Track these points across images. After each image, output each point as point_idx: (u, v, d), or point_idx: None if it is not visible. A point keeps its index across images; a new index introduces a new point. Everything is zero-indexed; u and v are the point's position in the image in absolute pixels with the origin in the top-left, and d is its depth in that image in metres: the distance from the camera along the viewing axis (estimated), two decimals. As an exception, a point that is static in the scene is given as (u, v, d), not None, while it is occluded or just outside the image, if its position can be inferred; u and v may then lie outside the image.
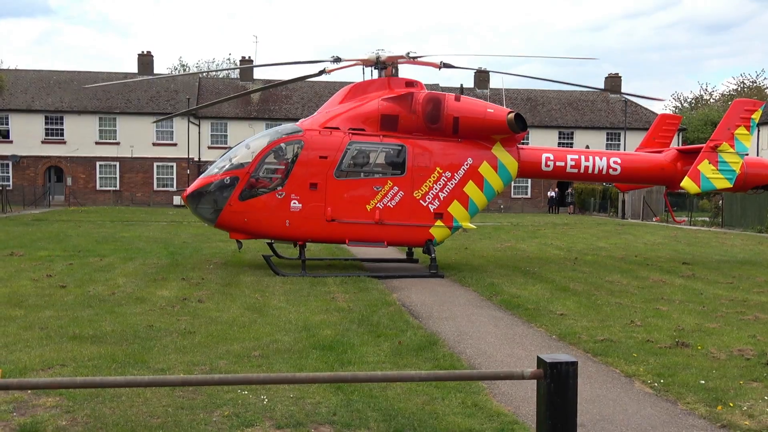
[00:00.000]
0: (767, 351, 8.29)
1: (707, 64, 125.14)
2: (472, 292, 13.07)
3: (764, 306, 11.68)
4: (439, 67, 15.89)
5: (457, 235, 22.98)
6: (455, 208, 15.19)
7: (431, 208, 15.03)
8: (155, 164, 51.64)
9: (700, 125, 64.90)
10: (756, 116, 17.03)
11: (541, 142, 50.38)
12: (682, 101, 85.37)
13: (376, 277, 14.44)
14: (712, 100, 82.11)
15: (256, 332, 9.02)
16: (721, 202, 35.95)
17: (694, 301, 12.10)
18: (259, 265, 15.73)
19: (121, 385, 3.79)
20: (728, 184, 16.82)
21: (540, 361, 4.02)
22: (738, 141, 16.79)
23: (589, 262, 18.05)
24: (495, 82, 57.46)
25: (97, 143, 50.86)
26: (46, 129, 50.47)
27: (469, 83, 57.54)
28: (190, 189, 15.16)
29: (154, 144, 51.38)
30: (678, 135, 54.51)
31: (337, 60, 15.69)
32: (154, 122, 20.47)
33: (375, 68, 16.05)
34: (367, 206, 14.70)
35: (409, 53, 15.56)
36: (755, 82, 78.28)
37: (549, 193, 52.84)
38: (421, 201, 14.96)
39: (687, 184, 16.63)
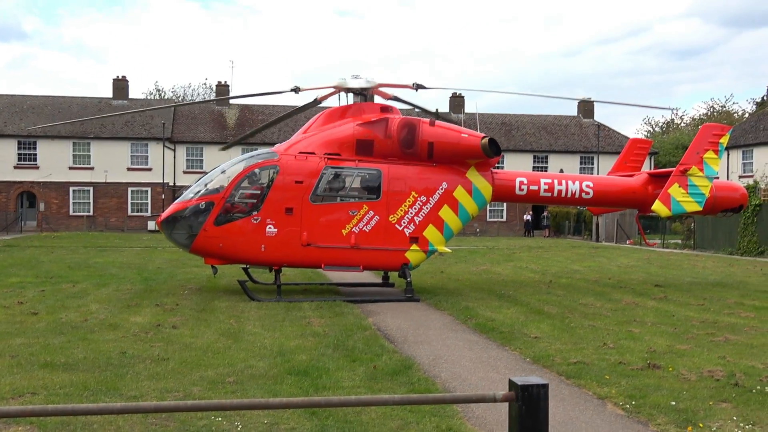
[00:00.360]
0: (736, 372, 8.42)
1: (678, 89, 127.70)
2: (447, 315, 13.13)
3: (734, 327, 11.87)
4: (415, 89, 15.94)
5: (432, 259, 23.07)
6: (430, 232, 15.28)
7: (407, 232, 15.11)
8: (130, 189, 51.27)
9: (671, 149, 66.13)
10: (724, 140, 17.41)
11: (516, 166, 50.90)
12: (654, 125, 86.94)
13: (351, 302, 14.44)
14: (683, 125, 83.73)
15: (231, 358, 8.98)
16: (693, 224, 36.52)
17: (666, 323, 12.26)
18: (234, 291, 15.66)
19: (93, 413, 3.78)
20: (698, 207, 17.12)
21: (512, 384, 4.08)
22: (707, 165, 17.12)
23: (564, 285, 18.21)
24: (470, 106, 58.09)
25: (70, 168, 50.44)
26: (19, 154, 49.99)
27: (445, 107, 58.09)
28: (164, 214, 15.10)
29: (128, 169, 51.07)
30: (650, 159, 55.42)
31: (316, 101, 15.91)
32: (222, 149, 20.37)
33: (351, 93, 16.19)
34: (342, 231, 14.75)
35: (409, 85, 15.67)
36: (724, 107, 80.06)
37: (525, 216, 53.27)
38: (396, 225, 15.04)
39: (658, 207, 16.90)
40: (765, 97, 59.11)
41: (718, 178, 17.60)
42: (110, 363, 8.61)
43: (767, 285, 18.60)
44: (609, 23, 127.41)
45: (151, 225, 47.95)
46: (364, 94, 16.13)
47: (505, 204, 53.56)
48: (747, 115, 72.72)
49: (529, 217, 52.93)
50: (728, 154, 51.95)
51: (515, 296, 15.60)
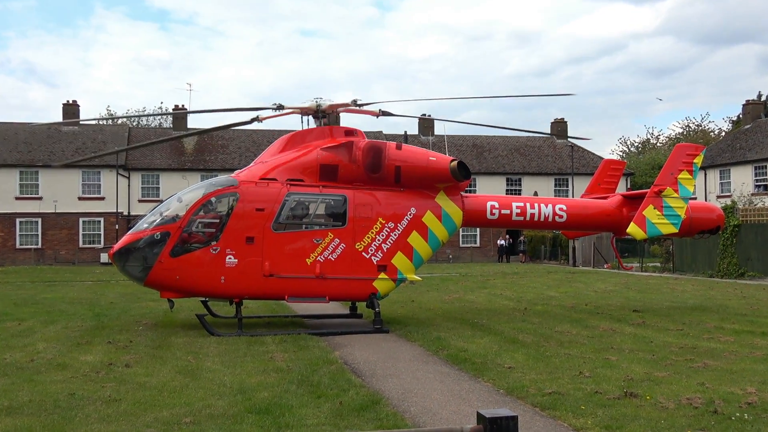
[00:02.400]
0: (715, 399, 8.56)
1: (653, 108, 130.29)
2: (418, 347, 13.14)
3: (713, 352, 12.07)
4: (377, 115, 16.25)
5: (402, 288, 23.09)
6: (399, 260, 15.33)
7: (374, 260, 15.14)
8: (81, 220, 50.55)
9: (647, 169, 67.24)
10: (698, 160, 17.81)
11: (489, 190, 51.34)
12: (629, 145, 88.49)
13: (317, 335, 14.39)
14: (659, 144, 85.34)
15: (188, 397, 8.89)
16: (671, 247, 37.10)
17: (643, 349, 12.42)
18: (192, 325, 15.50)
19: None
20: (674, 230, 17.44)
21: (480, 417, 4.12)
22: (681, 185, 17.48)
23: (539, 312, 18.34)
24: (440, 129, 58.60)
25: (17, 198, 49.66)
26: (-39, 184, 49.16)
27: (414, 130, 58.52)
28: (117, 245, 14.95)
29: (80, 198, 50.40)
30: (626, 179, 56.33)
31: (280, 107, 15.88)
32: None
33: (314, 117, 16.29)
34: (307, 260, 14.73)
35: (356, 101, 15.82)
36: (700, 126, 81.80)
37: (498, 241, 53.62)
38: (363, 253, 15.06)
39: (633, 230, 17.18)
40: (741, 116, 60.67)
41: (694, 198, 18.00)
42: (58, 406, 8.46)
43: (747, 308, 18.94)
44: (582, 42, 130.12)
45: (104, 257, 47.27)
46: (327, 118, 16.23)
47: (478, 229, 53.91)
48: (723, 133, 74.52)
49: (503, 242, 53.29)
50: (705, 174, 53.11)
51: (489, 325, 15.67)
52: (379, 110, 16.21)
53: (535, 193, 51.81)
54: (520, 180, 56.60)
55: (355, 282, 15.04)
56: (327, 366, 10.96)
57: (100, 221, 50.93)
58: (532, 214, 17.01)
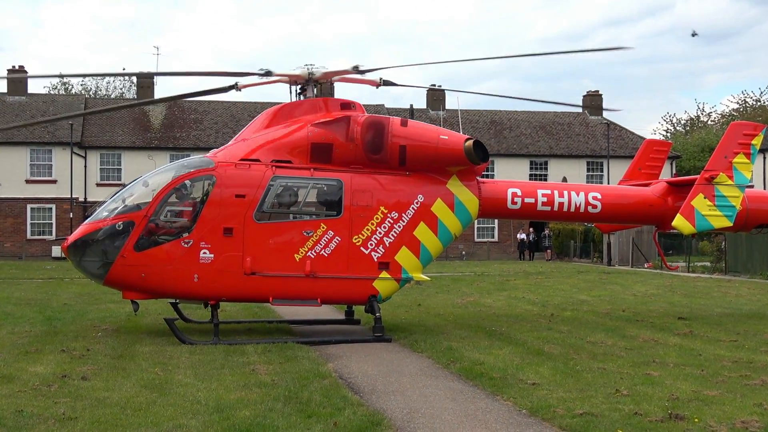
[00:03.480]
0: (775, 422, 8.57)
1: (704, 79, 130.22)
2: (425, 358, 13.16)
3: (773, 368, 12.08)
4: (378, 86, 16.18)
5: (407, 289, 23.12)
6: (404, 256, 15.33)
7: (374, 256, 15.14)
8: (29, 206, 50.64)
9: (696, 152, 67.24)
10: (756, 141, 17.77)
11: (510, 174, 51.25)
12: (675, 123, 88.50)
13: (307, 343, 14.40)
14: (710, 122, 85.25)
15: (155, 416, 8.91)
16: (724, 244, 37.09)
17: (691, 363, 12.43)
18: (160, 332, 15.53)
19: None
20: (728, 223, 17.42)
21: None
22: (737, 171, 17.45)
23: (568, 319, 18.37)
24: (452, 102, 58.53)
25: (-47, 181, 49.72)
26: None
27: (422, 103, 58.51)
28: (72, 237, 14.96)
29: (27, 181, 50.46)
30: (670, 164, 56.30)
31: (268, 74, 15.82)
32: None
33: (304, 86, 16.25)
34: (295, 255, 14.73)
35: (358, 67, 15.69)
36: (759, 101, 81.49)
37: (519, 235, 53.67)
38: (362, 248, 15.06)
39: (680, 223, 17.15)
40: (807, 89, 60.57)
41: (752, 186, 17.93)
42: (3, 424, 8.49)
43: (812, 316, 18.95)
44: (622, 0, 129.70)
45: (56, 251, 47.36)
46: (320, 88, 16.18)
47: (496, 221, 53.96)
48: (786, 110, 74.34)
49: (524, 236, 53.34)
50: (765, 158, 53.07)
51: (509, 333, 15.69)
52: (380, 79, 16.14)
53: (564, 179, 51.84)
54: (546, 163, 56.62)
55: (352, 282, 15.04)
56: (319, 380, 10.97)
57: (51, 208, 51.01)
58: (561, 204, 16.97)
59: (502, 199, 16.66)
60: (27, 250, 50.10)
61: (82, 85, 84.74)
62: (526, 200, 16.80)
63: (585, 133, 59.06)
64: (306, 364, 12.31)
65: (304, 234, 14.84)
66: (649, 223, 18.76)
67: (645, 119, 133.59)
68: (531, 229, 53.93)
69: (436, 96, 57.67)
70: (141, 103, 18.61)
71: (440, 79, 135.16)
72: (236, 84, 15.96)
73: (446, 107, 57.81)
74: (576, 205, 17.06)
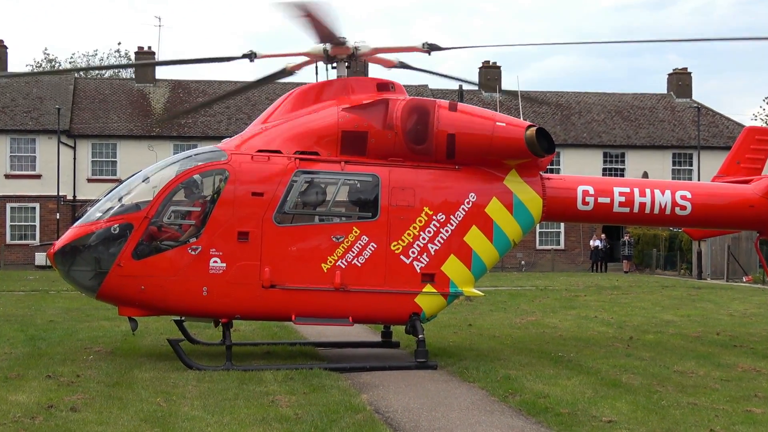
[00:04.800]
0: None
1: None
2: (478, 389, 13.12)
3: None
4: (428, 52, 15.86)
5: (456, 306, 23.06)
6: (452, 267, 15.28)
7: (417, 266, 15.11)
8: (8, 206, 51.25)
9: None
10: None
11: (580, 168, 50.91)
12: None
13: (336, 370, 14.42)
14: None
15: (158, 455, 8.96)
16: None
17: (801, 398, 12.28)
18: (162, 355, 15.63)
19: None
20: None
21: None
22: None
23: (651, 343, 18.22)
24: (509, 82, 58.39)
25: None
26: None
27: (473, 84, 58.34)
28: (59, 243, 15.09)
29: (7, 176, 51.07)
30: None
31: (286, 71, 15.88)
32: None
33: (333, 64, 16.26)
34: (322, 265, 14.74)
35: (427, 44, 15.58)
36: None
37: (592, 242, 53.29)
38: (402, 257, 15.04)
39: (787, 228, 16.93)
40: None
41: None
42: (-21, 463, 8.59)
43: None
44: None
45: (41, 258, 47.87)
46: (351, 65, 16.18)
47: (562, 224, 53.67)
48: None
49: (598, 243, 52.96)
50: None
51: (579, 360, 15.61)
52: (425, 44, 15.79)
53: (645, 174, 51.35)
54: (623, 155, 56.21)
55: (390, 297, 15.03)
56: (350, 415, 10.97)
57: (34, 207, 51.56)
58: (642, 204, 16.81)
59: (570, 199, 16.52)
60: (6, 257, 50.70)
61: (70, 62, 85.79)
62: (600, 200, 16.65)
63: (670, 119, 58.52)
64: (335, 395, 12.31)
65: (333, 239, 14.85)
66: (750, 228, 18.54)
67: (744, 103, 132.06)
68: (604, 236, 53.55)
69: (490, 75, 57.51)
70: (139, 64, 18.63)
71: (495, 55, 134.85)
72: (252, 52, 15.96)
73: (502, 88, 57.59)
74: (660, 205, 16.88)
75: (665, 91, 60.42)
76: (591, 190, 16.67)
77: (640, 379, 13.78)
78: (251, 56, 16.02)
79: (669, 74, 61.80)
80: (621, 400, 12.02)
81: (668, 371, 14.54)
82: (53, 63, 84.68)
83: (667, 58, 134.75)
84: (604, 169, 55.18)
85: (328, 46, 15.68)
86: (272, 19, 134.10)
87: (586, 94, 59.70)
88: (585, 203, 16.60)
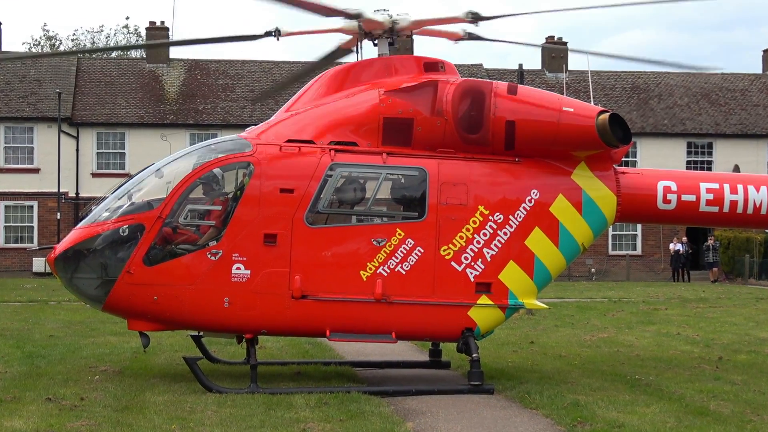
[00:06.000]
0: None
1: None
2: (541, 417, 13.09)
3: None
4: (474, 22, 15.83)
5: (516, 321, 23.02)
6: (512, 275, 15.25)
7: (471, 274, 15.08)
8: (3, 204, 51.72)
9: None
10: None
11: (660, 161, 50.58)
12: None
13: (377, 394, 14.42)
14: None
15: (173, 490, 9.04)
16: None
17: None
18: (178, 375, 15.74)
19: None
20: None
21: None
22: None
23: (743, 364, 18.10)
24: (577, 62, 58.13)
25: None
26: None
27: (535, 63, 58.17)
28: (61, 246, 15.23)
29: (1, 170, 51.41)
30: None
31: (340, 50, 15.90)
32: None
33: (373, 41, 16.28)
34: (361, 272, 14.76)
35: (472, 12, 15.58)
36: None
37: (673, 246, 52.92)
38: (453, 263, 15.02)
39: None
40: None
41: None
42: (-30, 498, 8.69)
43: None
44: None
45: (40, 264, 48.32)
46: (393, 41, 16.18)
47: (639, 226, 53.38)
48: None
49: (680, 248, 52.60)
50: None
51: (659, 384, 15.52)
52: (470, 14, 15.81)
53: (737, 168, 50.88)
54: (710, 145, 55.80)
55: (439, 310, 15.02)
56: (394, 446, 10.99)
57: (32, 206, 52.00)
58: (733, 203, 16.68)
59: (650, 196, 16.42)
60: (1, 262, 51.16)
61: (72, 39, 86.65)
62: (684, 197, 16.53)
63: (766, 103, 57.93)
64: (376, 422, 12.30)
65: (374, 243, 14.85)
66: None
67: None
68: (686, 238, 53.17)
69: (555, 54, 57.23)
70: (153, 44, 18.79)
71: (562, 31, 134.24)
72: (277, 29, 15.98)
73: (569, 68, 57.36)
74: (755, 204, 16.74)
75: (760, 71, 59.77)
76: (673, 186, 16.54)
77: (731, 406, 13.66)
78: (276, 33, 16.05)
79: (764, 50, 61.18)
80: (709, 431, 11.94)
81: (764, 397, 14.41)
82: (53, 41, 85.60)
83: (760, 32, 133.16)
84: (689, 162, 54.81)
85: (361, 20, 15.68)
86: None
87: (667, 74, 59.20)
88: (666, 201, 16.48)
